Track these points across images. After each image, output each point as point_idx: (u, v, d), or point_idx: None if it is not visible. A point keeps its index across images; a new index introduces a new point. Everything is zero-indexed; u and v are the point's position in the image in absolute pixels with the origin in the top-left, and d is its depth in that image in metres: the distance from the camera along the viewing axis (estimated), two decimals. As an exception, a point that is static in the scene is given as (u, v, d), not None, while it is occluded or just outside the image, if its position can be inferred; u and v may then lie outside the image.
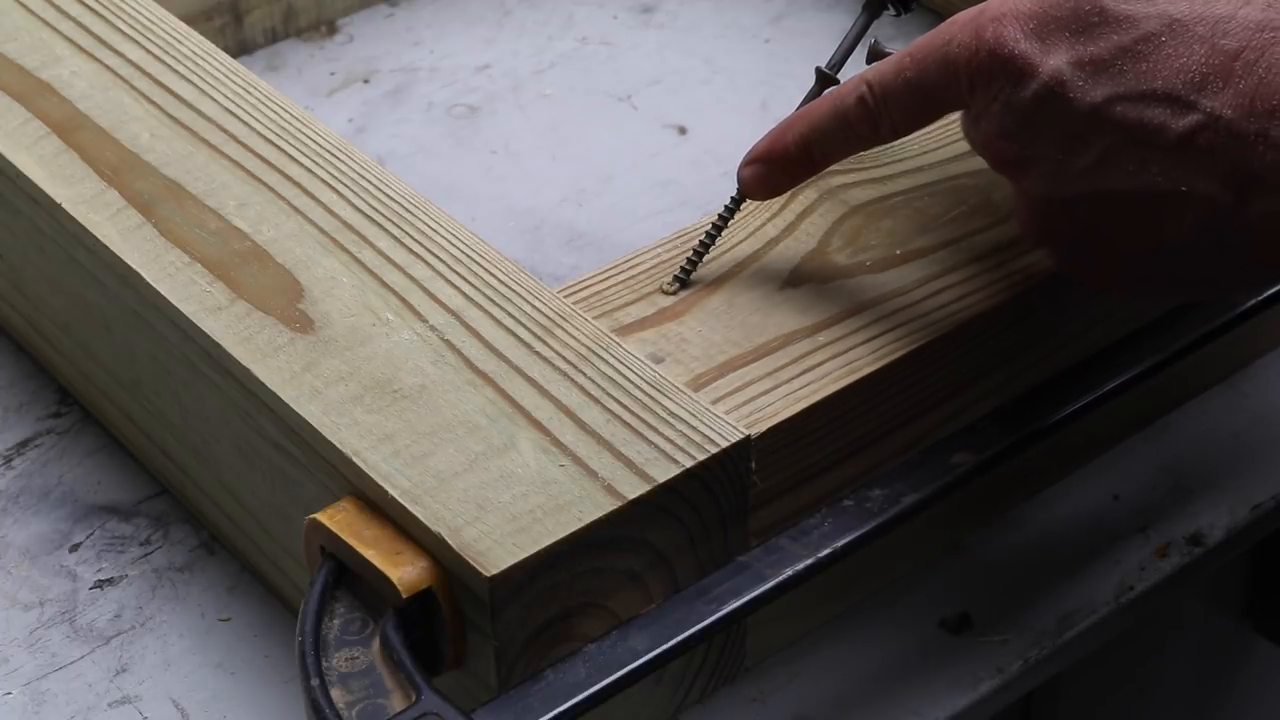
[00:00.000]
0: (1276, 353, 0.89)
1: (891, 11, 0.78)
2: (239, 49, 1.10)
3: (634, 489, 0.65)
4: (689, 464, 0.66)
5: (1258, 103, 0.60)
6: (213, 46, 0.86)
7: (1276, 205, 0.61)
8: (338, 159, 0.79)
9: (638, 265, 0.77)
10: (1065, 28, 0.63)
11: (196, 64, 0.85)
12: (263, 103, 0.82)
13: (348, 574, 0.65)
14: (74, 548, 0.80)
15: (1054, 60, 0.63)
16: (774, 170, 0.74)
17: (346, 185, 0.78)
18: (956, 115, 0.84)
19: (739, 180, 0.75)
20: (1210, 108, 0.61)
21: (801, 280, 0.75)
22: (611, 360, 0.70)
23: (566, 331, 0.71)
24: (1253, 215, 0.62)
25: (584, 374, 0.69)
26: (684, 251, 0.76)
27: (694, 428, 0.67)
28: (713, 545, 0.68)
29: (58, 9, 0.88)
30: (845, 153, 0.73)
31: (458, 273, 0.74)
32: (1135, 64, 0.62)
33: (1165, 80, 0.62)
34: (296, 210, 0.77)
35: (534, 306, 0.72)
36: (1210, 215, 0.63)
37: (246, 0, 1.09)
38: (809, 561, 0.67)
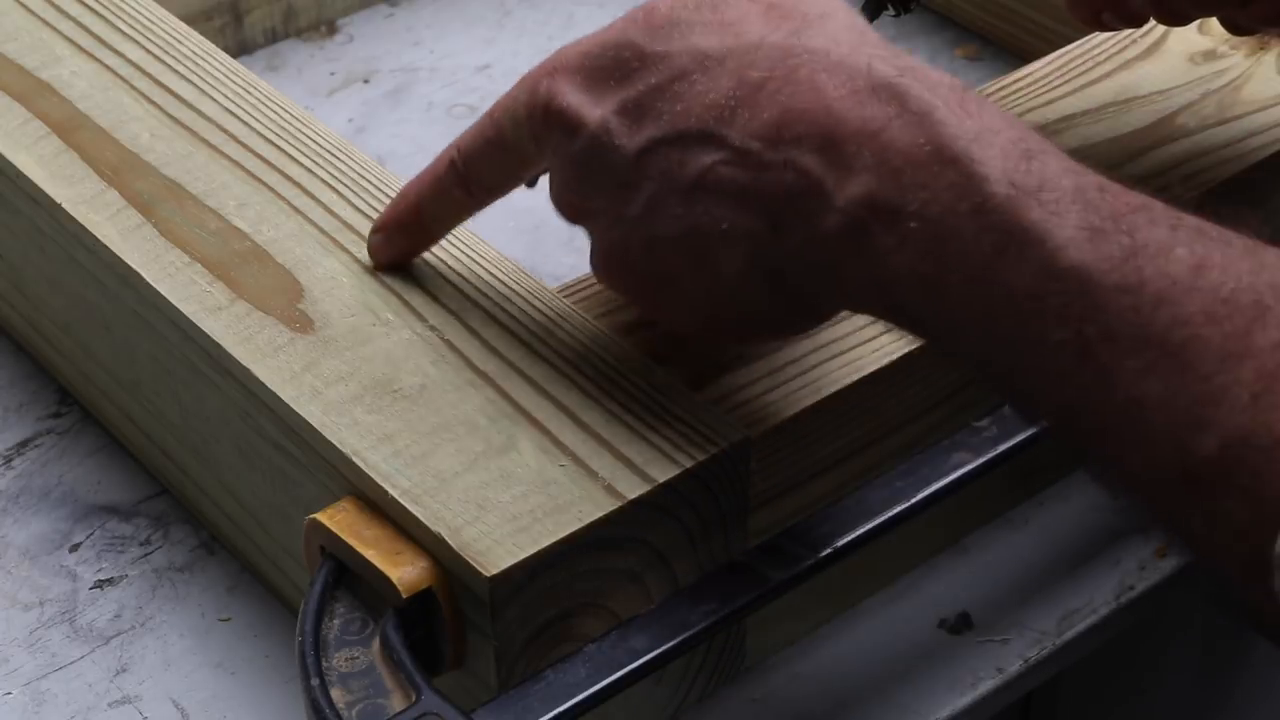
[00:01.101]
0: (1276, 353, 0.89)
1: (891, 12, 0.78)
2: (239, 49, 1.10)
3: (634, 489, 0.65)
4: (689, 464, 0.66)
5: (782, 130, 0.59)
6: (213, 46, 0.86)
7: (813, 233, 0.60)
8: (338, 159, 0.79)
9: (638, 265, 0.77)
10: (610, 75, 0.63)
11: (196, 64, 0.85)
12: (263, 103, 0.82)
13: (348, 574, 0.65)
14: (74, 548, 0.80)
15: (601, 110, 0.63)
16: (394, 238, 0.73)
17: (346, 185, 0.78)
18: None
19: (368, 249, 0.74)
20: (738, 141, 0.60)
21: (801, 280, 0.75)
22: (611, 360, 0.70)
23: (566, 331, 0.71)
24: (794, 245, 0.61)
25: (584, 374, 0.69)
26: (684, 251, 0.76)
27: (694, 428, 0.67)
28: (713, 545, 0.68)
29: (58, 9, 0.88)
30: (453, 217, 0.72)
31: (457, 272, 0.74)
32: (671, 104, 0.62)
33: (698, 118, 0.61)
34: (296, 210, 0.77)
35: (534, 306, 0.72)
36: (756, 249, 0.61)
37: (246, 0, 1.09)
38: (809, 561, 0.67)
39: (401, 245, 0.73)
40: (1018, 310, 0.56)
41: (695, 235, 0.62)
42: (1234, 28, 0.77)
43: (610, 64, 0.63)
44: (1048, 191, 0.56)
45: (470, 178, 0.69)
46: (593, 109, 0.63)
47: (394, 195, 0.74)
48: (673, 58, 0.62)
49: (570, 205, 0.67)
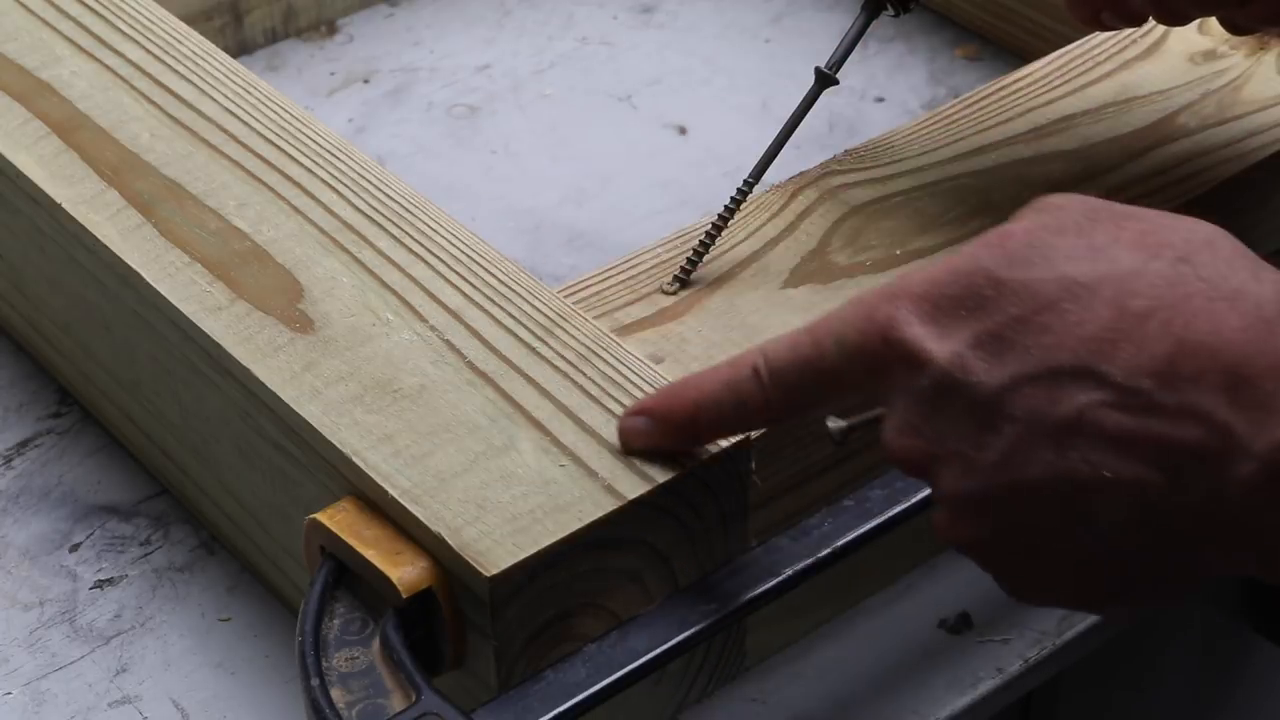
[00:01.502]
0: (1276, 353, 0.89)
1: (890, 12, 0.78)
2: (239, 49, 1.10)
3: (634, 489, 0.65)
4: (689, 464, 0.66)
5: (1177, 367, 0.53)
6: (213, 46, 0.86)
7: (1222, 484, 0.53)
8: (338, 159, 0.79)
9: (638, 265, 0.77)
10: (961, 306, 0.57)
11: (196, 64, 0.85)
12: (263, 103, 0.82)
13: (348, 574, 0.65)
14: (74, 548, 0.80)
15: (951, 344, 0.56)
16: (657, 430, 0.65)
17: (346, 185, 0.78)
18: (954, 115, 0.85)
19: (619, 429, 0.66)
20: (1121, 378, 0.54)
21: (801, 280, 0.75)
22: (611, 360, 0.70)
23: (566, 331, 0.71)
24: (1196, 498, 0.54)
25: (584, 374, 0.69)
26: (684, 251, 0.76)
27: (694, 428, 0.67)
28: (713, 545, 0.68)
29: (58, 9, 0.88)
30: (735, 428, 0.65)
31: (458, 273, 0.74)
32: (1038, 338, 0.55)
33: (1072, 351, 0.55)
34: (296, 210, 0.76)
35: (534, 306, 0.72)
36: (1144, 501, 0.55)
37: (246, 0, 1.09)
38: (809, 561, 0.67)
39: (663, 440, 0.66)
40: None
41: (1068, 484, 0.55)
42: (1233, 27, 0.76)
43: (962, 293, 0.57)
44: None
45: (774, 394, 0.61)
46: (942, 341, 0.57)
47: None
48: (1036, 286, 0.56)
49: (913, 450, 0.58)
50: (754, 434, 0.67)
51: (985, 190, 0.79)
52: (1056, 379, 0.55)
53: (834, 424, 0.64)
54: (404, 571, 0.63)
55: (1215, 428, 0.53)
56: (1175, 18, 0.74)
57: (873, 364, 0.58)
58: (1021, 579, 0.59)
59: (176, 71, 0.84)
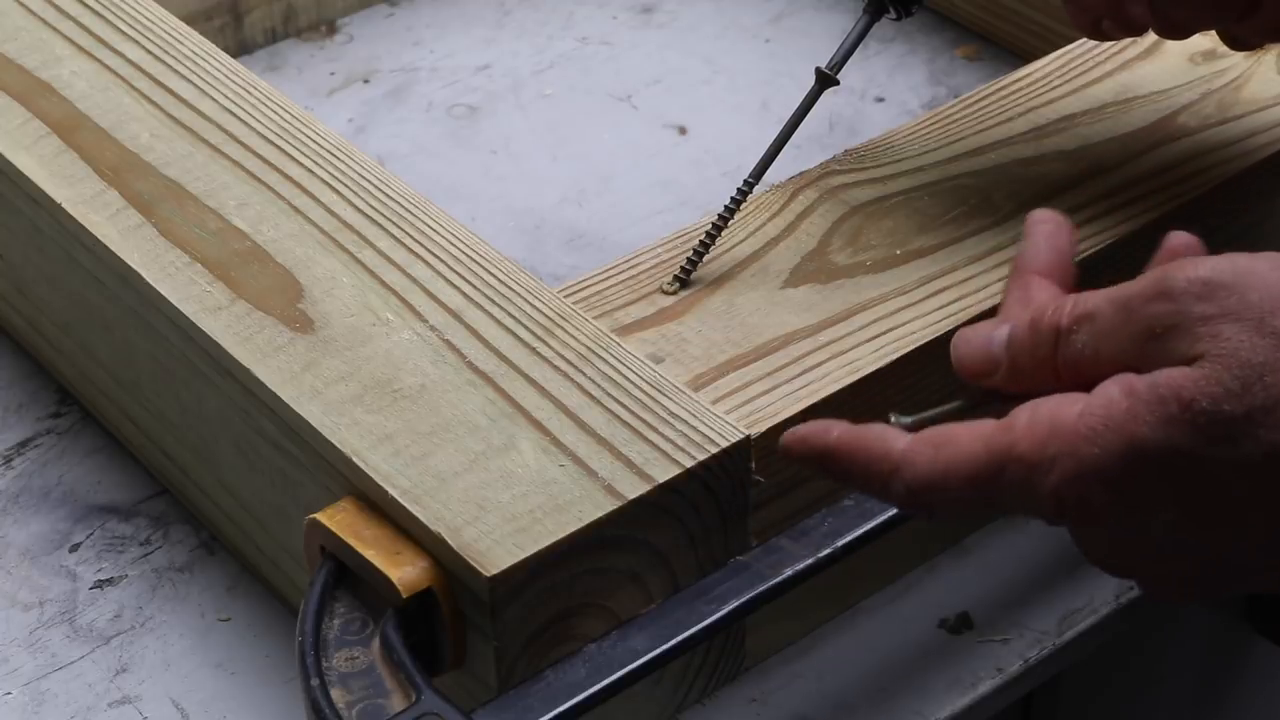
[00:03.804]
0: (1276, 353, 0.89)
1: (892, 15, 0.78)
2: (239, 49, 1.10)
3: (634, 489, 0.65)
4: (689, 464, 0.66)
5: None
6: (213, 46, 0.86)
7: None
8: (338, 159, 0.79)
9: (638, 265, 0.77)
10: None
11: (196, 64, 0.85)
12: (263, 103, 0.82)
13: (348, 574, 0.65)
14: (74, 548, 0.80)
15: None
16: (798, 453, 0.62)
17: (346, 185, 0.78)
18: (954, 115, 0.85)
19: (781, 441, 0.63)
20: None
21: (801, 280, 0.75)
22: (611, 360, 0.70)
23: (566, 331, 0.71)
24: None
25: (584, 374, 0.69)
26: (684, 251, 0.76)
27: (694, 428, 0.67)
28: (713, 545, 0.68)
29: (58, 9, 0.88)
30: (864, 490, 0.62)
31: (458, 273, 0.74)
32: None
33: None
34: (296, 210, 0.76)
35: (534, 306, 0.72)
36: None
37: (246, 0, 1.09)
38: (809, 561, 0.67)
39: (800, 461, 0.63)
40: None
41: None
42: (1232, 41, 0.77)
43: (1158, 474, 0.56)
44: None
45: (920, 506, 0.60)
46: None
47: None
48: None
49: (1116, 560, 0.60)
50: (754, 434, 0.67)
51: (985, 190, 0.79)
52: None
53: (897, 419, 0.63)
54: (404, 571, 0.63)
55: None
56: (1175, 30, 0.75)
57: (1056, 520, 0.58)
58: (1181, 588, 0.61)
59: (176, 71, 0.84)
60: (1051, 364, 0.60)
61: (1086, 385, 0.58)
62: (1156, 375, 0.56)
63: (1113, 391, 0.57)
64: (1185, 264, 0.57)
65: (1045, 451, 0.57)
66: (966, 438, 0.59)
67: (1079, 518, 0.58)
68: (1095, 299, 0.59)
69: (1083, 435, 0.56)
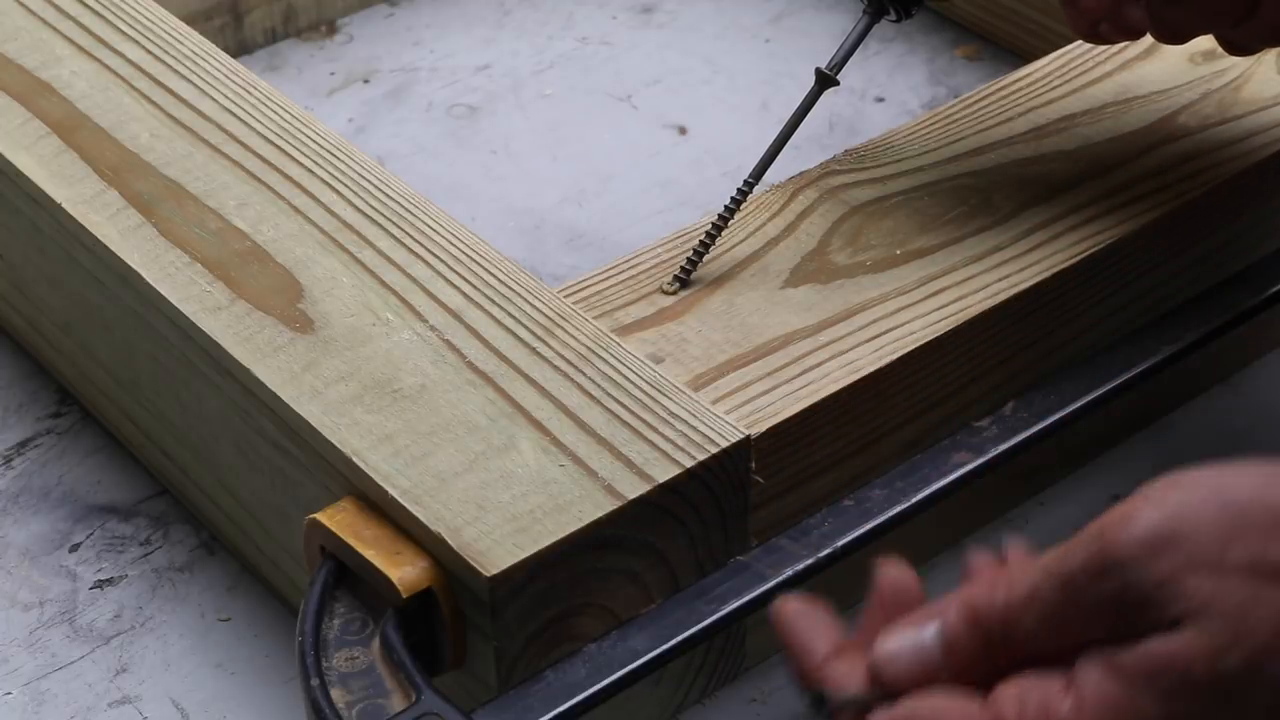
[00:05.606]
0: (1276, 353, 0.89)
1: (892, 16, 0.78)
2: (239, 49, 1.10)
3: (634, 489, 0.65)
4: (689, 464, 0.66)
5: None
6: (213, 46, 0.86)
7: None
8: (338, 159, 0.79)
9: (638, 265, 0.77)
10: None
11: (196, 64, 0.85)
12: (263, 103, 0.82)
13: (348, 574, 0.65)
14: (74, 548, 0.80)
15: None
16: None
17: (346, 185, 0.78)
18: (954, 115, 0.85)
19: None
20: None
21: (801, 280, 0.75)
22: (611, 360, 0.70)
23: (566, 331, 0.71)
24: None
25: (584, 374, 0.69)
26: (684, 251, 0.76)
27: (694, 428, 0.67)
28: (713, 545, 0.68)
29: (58, 9, 0.88)
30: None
31: (458, 273, 0.74)
32: None
33: None
34: (296, 210, 0.77)
35: (534, 306, 0.72)
36: None
37: (246, 0, 1.09)
38: (809, 561, 0.67)
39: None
40: None
41: None
42: (1230, 46, 0.77)
43: None
44: None
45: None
46: None
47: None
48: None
49: None
50: (754, 434, 0.67)
51: (985, 190, 0.79)
52: None
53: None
54: (404, 571, 0.63)
55: None
56: (1172, 35, 0.75)
57: None
58: None
59: (176, 71, 0.84)
60: (1004, 652, 0.55)
61: (1050, 659, 0.54)
62: (1141, 653, 0.53)
63: (1097, 677, 0.53)
64: (1116, 526, 0.53)
65: None
66: None
67: None
68: (1028, 578, 0.55)
69: None
